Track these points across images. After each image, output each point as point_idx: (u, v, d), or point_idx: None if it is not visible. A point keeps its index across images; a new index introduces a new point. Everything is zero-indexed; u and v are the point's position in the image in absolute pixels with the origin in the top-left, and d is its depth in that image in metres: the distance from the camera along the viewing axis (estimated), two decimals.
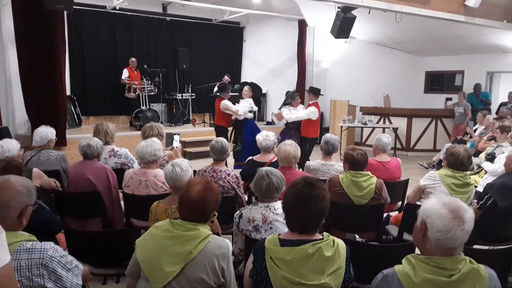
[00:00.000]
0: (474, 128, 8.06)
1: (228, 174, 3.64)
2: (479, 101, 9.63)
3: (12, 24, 6.69)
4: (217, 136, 6.34)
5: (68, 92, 8.94)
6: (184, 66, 11.08)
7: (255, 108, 7.19)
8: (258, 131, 5.04)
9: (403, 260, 1.68)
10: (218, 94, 7.54)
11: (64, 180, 3.95)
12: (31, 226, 1.91)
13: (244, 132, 6.87)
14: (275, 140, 4.32)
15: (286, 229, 2.25)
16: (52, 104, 6.90)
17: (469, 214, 1.62)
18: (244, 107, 6.91)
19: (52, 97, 6.88)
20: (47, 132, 4.22)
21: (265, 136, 4.31)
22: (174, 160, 3.01)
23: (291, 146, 3.68)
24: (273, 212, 2.58)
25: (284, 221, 2.49)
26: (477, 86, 9.70)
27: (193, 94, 11.04)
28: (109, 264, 2.84)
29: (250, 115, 7.04)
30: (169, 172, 2.84)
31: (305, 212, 1.90)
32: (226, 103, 6.94)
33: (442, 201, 1.64)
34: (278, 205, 2.64)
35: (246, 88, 7.31)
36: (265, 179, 2.64)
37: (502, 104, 9.03)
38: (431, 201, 1.67)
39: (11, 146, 3.64)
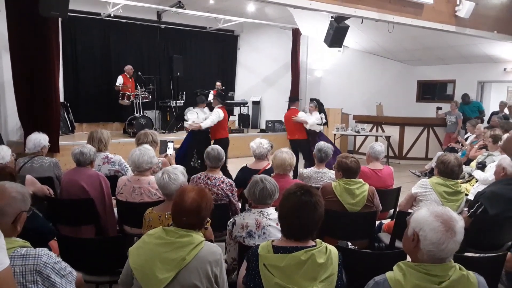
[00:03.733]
0: (465, 137, 8.14)
1: (222, 182, 3.65)
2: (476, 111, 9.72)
3: (6, 30, 6.68)
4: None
5: (61, 99, 8.90)
6: (178, 73, 11.11)
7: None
8: None
9: (394, 267, 1.69)
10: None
11: (57, 187, 3.93)
12: (24, 232, 1.91)
13: None
14: (268, 147, 4.34)
15: (279, 234, 2.26)
16: (45, 111, 6.87)
17: (460, 224, 1.64)
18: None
19: (45, 104, 6.85)
20: (40, 138, 4.20)
21: (259, 143, 4.33)
22: (167, 167, 3.02)
23: (287, 154, 3.71)
24: (266, 218, 2.60)
25: (277, 226, 2.52)
26: (464, 96, 9.83)
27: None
28: (101, 271, 2.83)
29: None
30: (158, 178, 2.87)
31: (305, 219, 1.92)
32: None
33: (434, 212, 1.64)
34: (271, 210, 2.66)
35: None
36: (259, 184, 2.67)
37: (493, 113, 9.15)
38: (423, 212, 1.67)
39: (4, 153, 3.63)
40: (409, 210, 3.57)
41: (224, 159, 3.86)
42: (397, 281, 1.62)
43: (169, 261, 1.94)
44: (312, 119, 7.16)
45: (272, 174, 3.62)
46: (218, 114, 6.74)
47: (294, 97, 7.97)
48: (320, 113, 7.32)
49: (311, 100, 7.65)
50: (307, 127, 7.18)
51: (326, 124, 7.57)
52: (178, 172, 2.90)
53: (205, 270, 1.97)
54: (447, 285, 1.58)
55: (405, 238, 1.73)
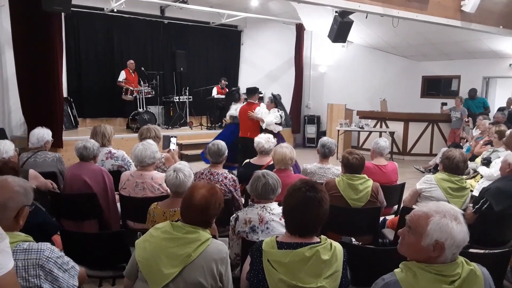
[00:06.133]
0: (473, 132, 8.08)
1: (225, 177, 3.64)
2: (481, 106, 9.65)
3: (9, 25, 6.68)
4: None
5: (65, 94, 8.91)
6: (181, 68, 11.09)
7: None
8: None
9: (402, 267, 1.65)
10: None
11: (60, 182, 3.94)
12: (27, 227, 1.90)
13: None
14: (275, 142, 4.34)
15: (282, 229, 2.25)
16: (49, 106, 6.88)
17: (460, 211, 1.64)
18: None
19: (48, 99, 6.87)
20: (43, 133, 4.21)
21: (267, 138, 4.33)
22: (175, 165, 2.98)
23: (287, 148, 3.69)
24: (269, 212, 2.59)
25: (281, 221, 2.51)
26: (471, 91, 9.76)
27: (190, 96, 11.04)
28: (105, 266, 2.83)
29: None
30: (172, 178, 2.81)
31: (310, 215, 1.91)
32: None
33: (450, 215, 1.59)
34: (274, 205, 2.65)
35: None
36: (261, 179, 2.66)
37: (499, 109, 9.08)
38: (442, 220, 1.57)
39: (7, 147, 3.64)
40: (413, 206, 3.55)
41: (225, 154, 3.83)
42: (409, 284, 1.58)
43: (175, 257, 1.93)
44: (269, 118, 6.43)
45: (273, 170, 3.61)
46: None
47: (252, 89, 6.88)
48: (278, 111, 6.56)
49: (270, 95, 7.07)
50: (263, 126, 6.40)
51: (286, 124, 6.89)
52: (188, 168, 2.89)
53: (210, 267, 1.95)
54: (459, 284, 1.56)
55: (417, 249, 1.62)
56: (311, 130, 12.28)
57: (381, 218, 3.80)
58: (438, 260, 1.59)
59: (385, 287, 1.63)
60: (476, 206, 3.37)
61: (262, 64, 12.92)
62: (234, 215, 2.71)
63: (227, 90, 11.27)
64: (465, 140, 8.05)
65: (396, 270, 1.66)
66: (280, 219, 2.53)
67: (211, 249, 1.99)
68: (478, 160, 5.49)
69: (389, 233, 3.67)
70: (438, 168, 3.91)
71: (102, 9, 10.21)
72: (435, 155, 8.55)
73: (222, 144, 3.82)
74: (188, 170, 2.86)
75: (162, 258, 1.93)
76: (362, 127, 9.89)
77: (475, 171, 5.48)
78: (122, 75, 10.10)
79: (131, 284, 2.07)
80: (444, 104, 10.10)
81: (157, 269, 1.92)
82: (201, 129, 10.84)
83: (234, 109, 7.56)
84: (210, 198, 2.08)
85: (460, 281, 1.57)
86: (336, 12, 6.80)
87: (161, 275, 1.90)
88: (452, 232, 1.57)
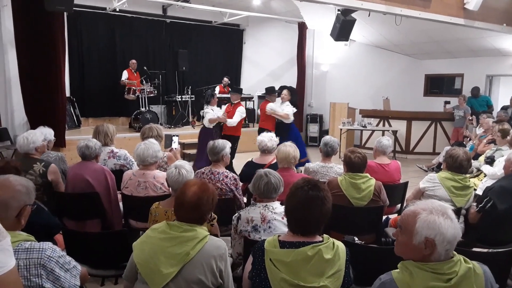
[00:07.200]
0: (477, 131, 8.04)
1: (226, 176, 3.63)
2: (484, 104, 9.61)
3: (12, 25, 6.69)
4: None
5: (67, 94, 8.92)
6: (183, 68, 11.09)
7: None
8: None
9: (399, 266, 1.65)
10: (265, 96, 7.42)
11: (63, 181, 3.94)
12: (29, 226, 1.90)
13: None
14: (278, 141, 4.32)
15: (284, 228, 2.24)
16: (51, 105, 6.89)
17: (449, 208, 1.64)
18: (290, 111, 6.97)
19: (51, 98, 6.88)
20: (45, 133, 4.21)
21: (270, 137, 4.31)
22: (176, 162, 3.00)
23: (291, 147, 3.68)
24: (271, 211, 2.58)
25: (283, 220, 2.50)
26: (474, 89, 9.71)
27: (193, 96, 11.04)
28: (107, 265, 2.83)
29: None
30: (175, 175, 2.82)
31: (312, 214, 1.90)
32: (272, 106, 6.94)
33: (438, 212, 1.59)
34: (276, 204, 2.64)
35: (285, 91, 7.21)
36: (263, 178, 2.65)
37: (503, 108, 9.04)
38: (429, 217, 1.58)
39: (35, 138, 3.68)
40: None
41: (222, 152, 3.81)
42: (405, 283, 1.58)
43: (173, 256, 1.93)
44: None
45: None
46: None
47: (239, 88, 7.85)
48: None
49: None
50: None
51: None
52: (188, 165, 2.92)
53: (209, 264, 1.95)
54: (456, 282, 1.55)
55: (410, 248, 1.62)
56: (313, 129, 12.26)
57: (384, 217, 3.78)
58: (432, 257, 1.59)
59: (382, 286, 1.63)
60: (480, 205, 3.35)
61: (264, 63, 12.91)
62: (236, 214, 2.71)
63: (230, 89, 11.28)
64: (468, 138, 8.02)
65: (394, 270, 1.66)
66: (283, 218, 2.52)
67: (209, 246, 1.98)
68: (482, 158, 5.46)
69: (392, 232, 3.65)
70: (442, 167, 3.90)
71: (105, 9, 10.22)
72: (438, 153, 8.52)
73: (219, 142, 3.80)
74: (189, 167, 2.89)
75: (161, 258, 1.93)
76: (364, 126, 9.87)
77: (478, 169, 5.45)
78: (125, 75, 10.14)
79: (131, 287, 2.07)
80: (447, 102, 10.06)
81: (156, 269, 1.91)
82: None
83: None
84: (201, 194, 2.08)
85: (457, 279, 1.55)
86: (338, 10, 6.78)
87: (160, 275, 1.90)
88: (440, 227, 1.57)
